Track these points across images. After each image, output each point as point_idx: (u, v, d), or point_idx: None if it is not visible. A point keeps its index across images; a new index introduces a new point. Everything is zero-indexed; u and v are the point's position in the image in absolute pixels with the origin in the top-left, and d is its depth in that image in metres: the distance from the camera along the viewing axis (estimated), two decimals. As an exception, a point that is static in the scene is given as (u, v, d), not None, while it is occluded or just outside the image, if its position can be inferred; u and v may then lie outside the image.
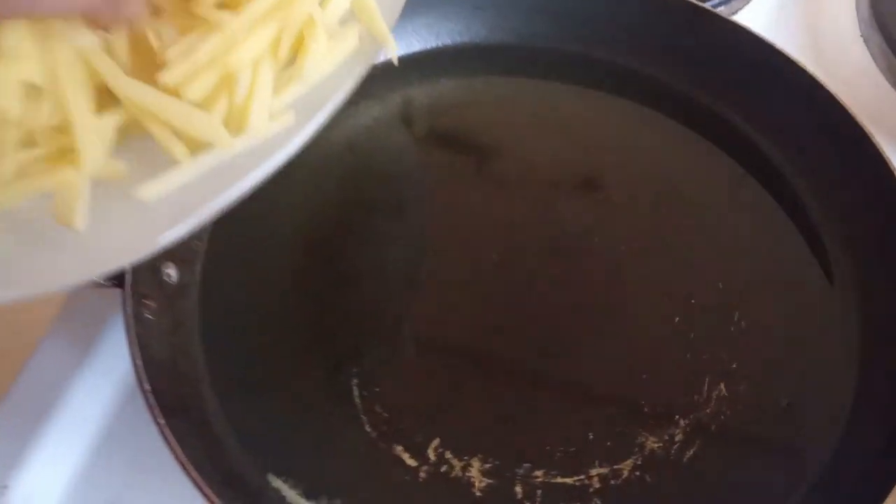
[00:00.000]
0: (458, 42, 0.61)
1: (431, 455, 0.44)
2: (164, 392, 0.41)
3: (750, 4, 0.68)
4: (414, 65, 0.60)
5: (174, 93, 0.34)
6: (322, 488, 0.43)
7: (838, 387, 0.46)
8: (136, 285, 0.43)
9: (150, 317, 0.44)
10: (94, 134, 0.33)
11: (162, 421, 0.38)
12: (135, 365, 0.40)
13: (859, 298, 0.49)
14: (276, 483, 0.43)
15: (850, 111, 0.49)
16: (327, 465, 0.44)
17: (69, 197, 0.33)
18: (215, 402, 0.45)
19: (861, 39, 0.68)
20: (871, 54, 0.67)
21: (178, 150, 0.35)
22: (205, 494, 0.37)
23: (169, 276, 0.47)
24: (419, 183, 0.56)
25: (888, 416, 0.43)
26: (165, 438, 0.38)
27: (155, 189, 0.34)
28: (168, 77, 0.34)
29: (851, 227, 0.51)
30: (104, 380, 0.48)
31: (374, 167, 0.56)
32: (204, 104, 0.35)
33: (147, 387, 0.39)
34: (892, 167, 0.48)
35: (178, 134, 0.35)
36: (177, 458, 0.37)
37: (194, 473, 0.36)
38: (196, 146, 0.35)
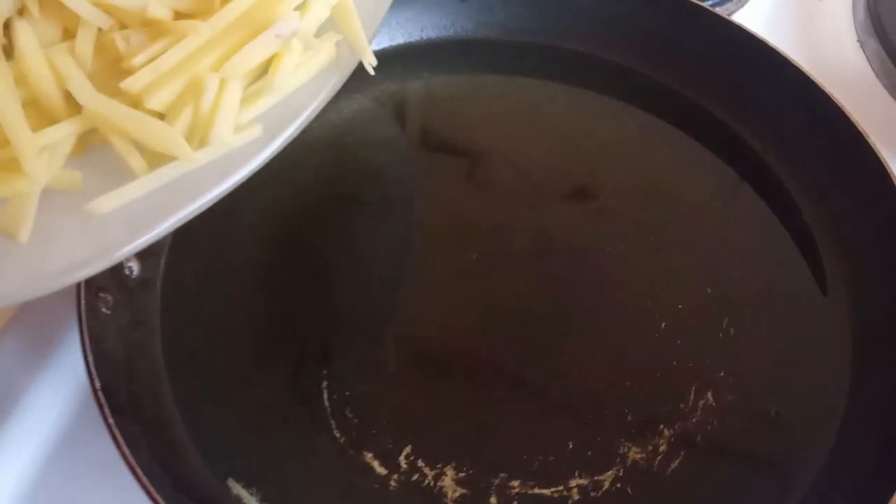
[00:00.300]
0: (442, 36, 0.59)
1: (403, 463, 0.42)
2: (117, 391, 0.38)
3: (746, 7, 0.66)
4: (398, 59, 0.58)
5: (137, 100, 0.33)
6: (285, 496, 0.40)
7: (829, 397, 0.44)
8: (92, 277, 0.40)
9: (106, 311, 0.41)
10: (35, 147, 0.31)
11: (111, 420, 0.36)
12: (85, 360, 0.37)
13: (852, 307, 0.47)
14: (237, 490, 0.40)
15: (844, 110, 0.48)
16: (292, 471, 0.41)
17: (17, 208, 0.32)
18: (173, 405, 0.42)
19: (858, 44, 0.67)
20: (868, 58, 0.66)
21: (137, 162, 0.33)
22: (153, 499, 0.35)
23: (130, 269, 0.45)
24: (400, 180, 0.54)
25: (879, 431, 0.41)
26: (114, 439, 0.35)
27: (109, 203, 0.32)
28: (132, 84, 0.32)
29: (845, 229, 0.49)
30: (61, 380, 0.46)
31: (353, 162, 0.54)
32: (168, 114, 0.33)
33: (97, 384, 0.37)
34: (887, 168, 0.46)
35: (139, 145, 0.33)
36: (125, 460, 0.35)
37: (142, 477, 0.34)
38: (157, 158, 0.33)
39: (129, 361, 0.42)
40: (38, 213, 0.32)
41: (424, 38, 0.59)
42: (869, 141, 0.47)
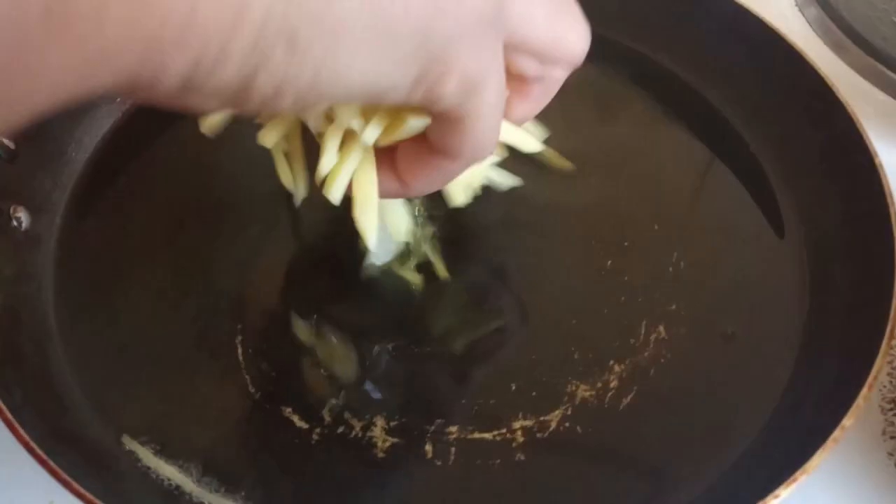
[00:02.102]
0: None
1: (327, 416, 0.37)
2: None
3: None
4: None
5: None
6: (192, 453, 0.36)
7: (787, 319, 0.41)
8: (-32, 219, 0.36)
9: (-16, 257, 0.37)
10: None
11: (-24, 359, 0.31)
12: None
13: (804, 228, 0.44)
14: (132, 445, 0.35)
15: (779, 33, 0.46)
16: (201, 428, 0.37)
17: None
18: (63, 361, 0.38)
19: (797, 9, 0.66)
20: (808, 22, 0.65)
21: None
22: (31, 451, 0.30)
23: (18, 219, 0.41)
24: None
25: (842, 344, 0.38)
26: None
27: None
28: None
29: (791, 154, 0.46)
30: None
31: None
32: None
33: (-37, 323, 0.32)
34: (828, 83, 0.44)
35: None
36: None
37: (7, 414, 0.29)
38: None
39: (12, 312, 0.37)
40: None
41: None
42: (808, 60, 0.45)
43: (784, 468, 0.29)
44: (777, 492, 0.29)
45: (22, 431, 0.30)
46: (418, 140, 0.32)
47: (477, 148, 0.30)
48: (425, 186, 0.34)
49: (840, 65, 0.60)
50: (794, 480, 0.29)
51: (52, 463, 0.29)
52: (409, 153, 0.33)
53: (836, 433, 0.30)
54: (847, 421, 0.30)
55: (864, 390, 0.31)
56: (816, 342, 0.38)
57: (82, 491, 0.28)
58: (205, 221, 0.44)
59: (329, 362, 0.39)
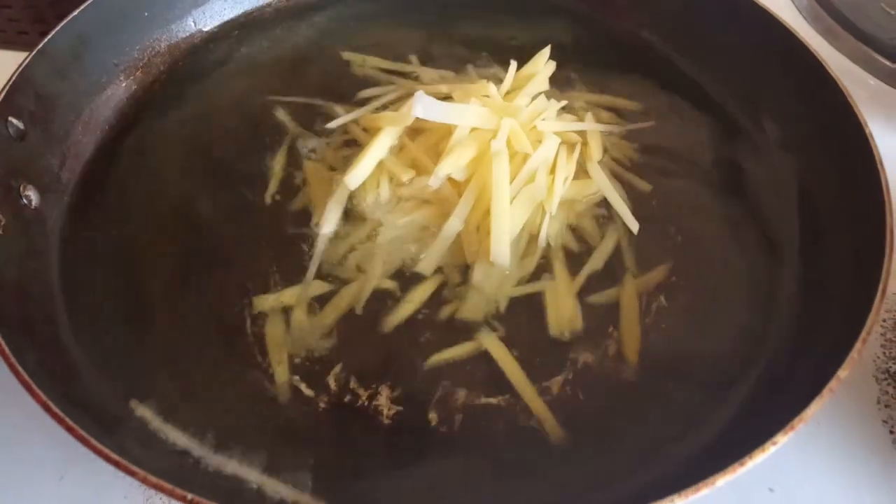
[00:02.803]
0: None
1: (332, 384, 0.38)
2: (6, 306, 0.34)
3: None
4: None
5: None
6: (196, 417, 0.36)
7: (787, 281, 0.42)
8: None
9: (-1, 232, 0.38)
10: None
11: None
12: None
13: (800, 196, 0.45)
14: (141, 410, 0.36)
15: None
16: (209, 395, 0.37)
17: None
18: (69, 331, 0.38)
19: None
20: (799, 10, 0.66)
21: None
22: (48, 410, 0.30)
23: (28, 198, 0.41)
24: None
25: (840, 301, 0.38)
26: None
27: None
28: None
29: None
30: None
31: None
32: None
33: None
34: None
35: None
36: (7, 363, 0.30)
37: (24, 376, 0.30)
38: None
39: (23, 286, 0.38)
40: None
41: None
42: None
43: (784, 417, 0.30)
44: (775, 438, 0.29)
45: (39, 391, 0.30)
46: None
47: None
48: None
49: (832, 51, 0.62)
50: (792, 428, 0.30)
51: (69, 421, 0.29)
52: None
53: (832, 383, 0.31)
54: (842, 372, 0.31)
55: (859, 344, 0.32)
56: (815, 303, 0.39)
57: (99, 447, 0.29)
58: (207, 198, 0.45)
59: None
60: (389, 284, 0.41)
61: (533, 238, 0.43)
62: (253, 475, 0.35)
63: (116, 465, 0.28)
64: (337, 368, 0.38)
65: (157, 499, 0.37)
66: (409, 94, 0.44)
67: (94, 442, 0.29)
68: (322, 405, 0.37)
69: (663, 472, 0.34)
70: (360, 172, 0.43)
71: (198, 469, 0.35)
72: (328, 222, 0.43)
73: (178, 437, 0.35)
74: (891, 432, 0.40)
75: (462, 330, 0.40)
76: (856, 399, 0.41)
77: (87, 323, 0.39)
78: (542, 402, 0.37)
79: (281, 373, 0.38)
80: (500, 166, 0.41)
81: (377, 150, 0.44)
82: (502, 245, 0.41)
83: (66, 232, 0.43)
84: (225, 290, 0.41)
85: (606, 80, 0.52)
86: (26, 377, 0.30)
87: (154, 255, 0.43)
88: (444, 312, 0.40)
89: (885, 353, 0.43)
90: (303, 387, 0.38)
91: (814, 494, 0.38)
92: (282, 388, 0.38)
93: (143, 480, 0.27)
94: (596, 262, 0.43)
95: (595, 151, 0.46)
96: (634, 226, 0.44)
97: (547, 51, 0.49)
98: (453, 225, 0.42)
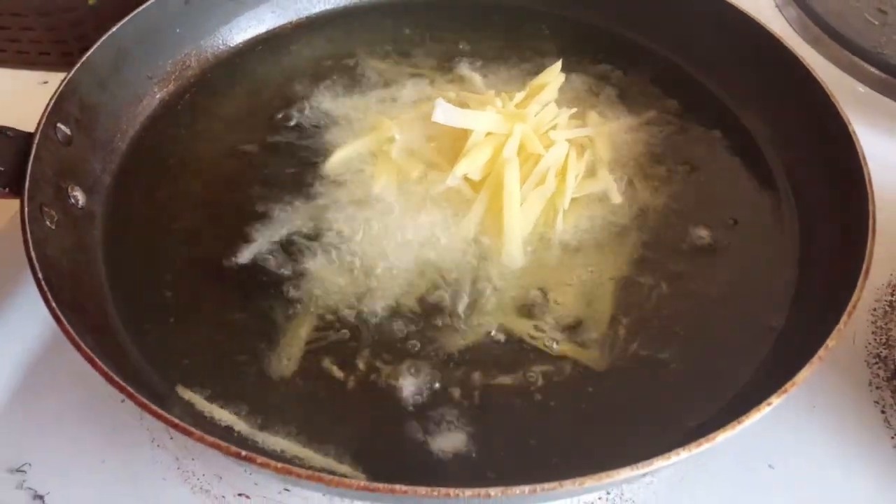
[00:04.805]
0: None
1: (361, 365, 0.41)
2: (61, 289, 0.37)
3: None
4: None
5: None
6: (238, 397, 0.39)
7: (782, 266, 0.45)
8: (34, 192, 0.40)
9: (50, 226, 0.41)
10: None
11: (54, 305, 0.34)
12: (28, 256, 0.37)
13: (793, 190, 0.49)
14: (188, 395, 0.39)
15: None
16: (249, 381, 0.40)
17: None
18: (117, 319, 0.42)
19: (777, 9, 0.71)
20: (788, 21, 0.70)
21: None
22: (109, 380, 0.33)
23: (75, 198, 0.45)
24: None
25: (829, 277, 0.42)
26: (58, 321, 0.34)
27: None
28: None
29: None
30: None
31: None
32: None
33: (40, 275, 0.36)
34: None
35: None
36: (68, 336, 0.33)
37: (84, 349, 0.33)
38: None
39: (74, 276, 0.41)
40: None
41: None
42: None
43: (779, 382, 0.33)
44: (770, 399, 0.32)
45: (100, 363, 0.33)
46: None
47: None
48: None
49: (819, 59, 0.65)
50: (785, 392, 0.33)
51: (130, 389, 0.32)
52: None
53: (821, 352, 0.34)
54: (831, 342, 0.34)
55: (845, 317, 0.35)
56: (806, 281, 0.43)
57: (159, 411, 0.31)
58: (237, 194, 0.49)
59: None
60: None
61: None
62: (295, 448, 0.37)
63: (175, 426, 0.31)
64: (366, 352, 0.41)
65: (194, 479, 0.40)
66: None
67: (153, 406, 0.31)
68: (350, 384, 0.40)
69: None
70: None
71: (245, 443, 0.37)
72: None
73: (223, 415, 0.38)
74: (882, 412, 0.44)
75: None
76: (849, 382, 0.45)
77: (130, 312, 0.42)
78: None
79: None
80: (510, 173, 0.45)
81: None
82: (514, 247, 0.45)
83: (109, 231, 0.46)
84: (261, 283, 0.44)
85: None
86: (88, 351, 0.33)
87: (187, 256, 0.46)
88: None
89: (875, 339, 0.47)
90: (334, 369, 0.41)
91: (810, 469, 0.42)
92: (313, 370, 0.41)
93: (200, 440, 0.30)
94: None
95: (603, 152, 0.50)
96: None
97: (559, 64, 0.53)
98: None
